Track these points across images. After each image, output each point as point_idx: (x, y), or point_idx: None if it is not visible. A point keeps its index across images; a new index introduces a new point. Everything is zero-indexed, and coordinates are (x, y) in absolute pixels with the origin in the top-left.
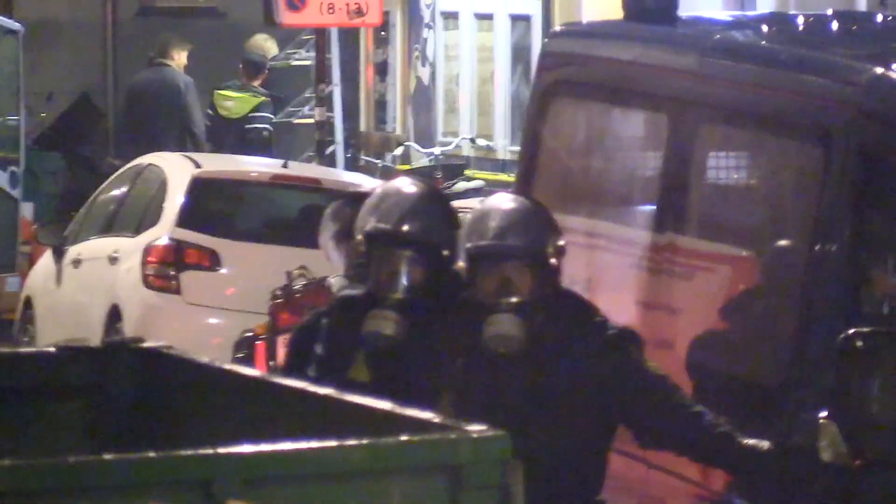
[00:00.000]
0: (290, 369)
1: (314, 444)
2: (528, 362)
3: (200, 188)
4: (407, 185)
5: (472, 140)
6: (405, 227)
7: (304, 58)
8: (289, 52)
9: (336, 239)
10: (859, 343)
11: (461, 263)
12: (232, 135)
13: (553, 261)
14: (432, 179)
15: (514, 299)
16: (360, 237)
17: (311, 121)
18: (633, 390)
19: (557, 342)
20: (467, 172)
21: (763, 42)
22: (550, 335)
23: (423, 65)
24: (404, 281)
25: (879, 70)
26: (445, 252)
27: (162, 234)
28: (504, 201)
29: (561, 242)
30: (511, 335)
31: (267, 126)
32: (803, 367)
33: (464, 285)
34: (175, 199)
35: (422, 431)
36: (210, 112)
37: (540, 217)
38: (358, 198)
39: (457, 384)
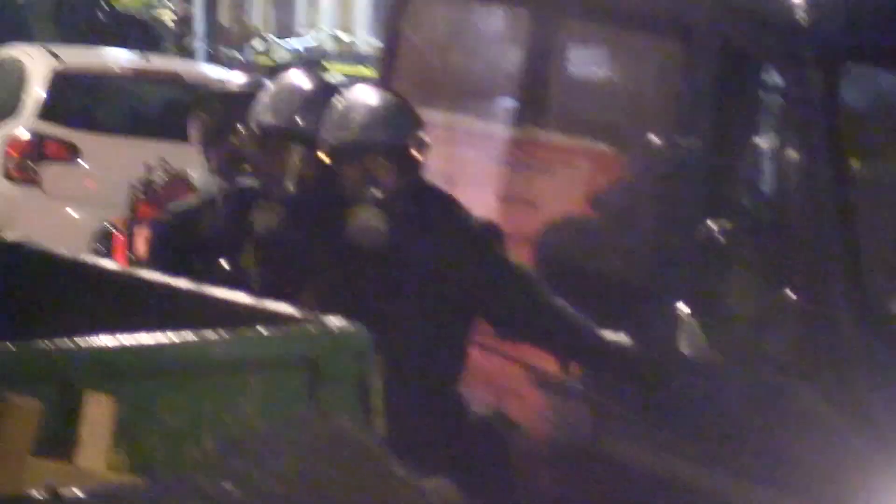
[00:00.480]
0: (162, 257)
1: (173, 337)
2: (389, 254)
3: (61, 81)
4: (301, 80)
5: (333, 34)
6: (299, 123)
7: None
8: None
9: (208, 133)
10: (720, 238)
11: (323, 156)
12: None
13: (415, 154)
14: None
15: (376, 192)
16: (253, 131)
17: (172, 15)
18: (494, 283)
19: (419, 234)
20: (327, 66)
21: None
22: (412, 228)
23: None
24: (294, 175)
25: None
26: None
27: (22, 126)
28: (365, 94)
29: (423, 135)
30: (373, 228)
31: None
32: (663, 262)
33: (327, 177)
34: (35, 92)
35: (281, 325)
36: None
37: (402, 110)
38: (228, 93)
39: (320, 277)
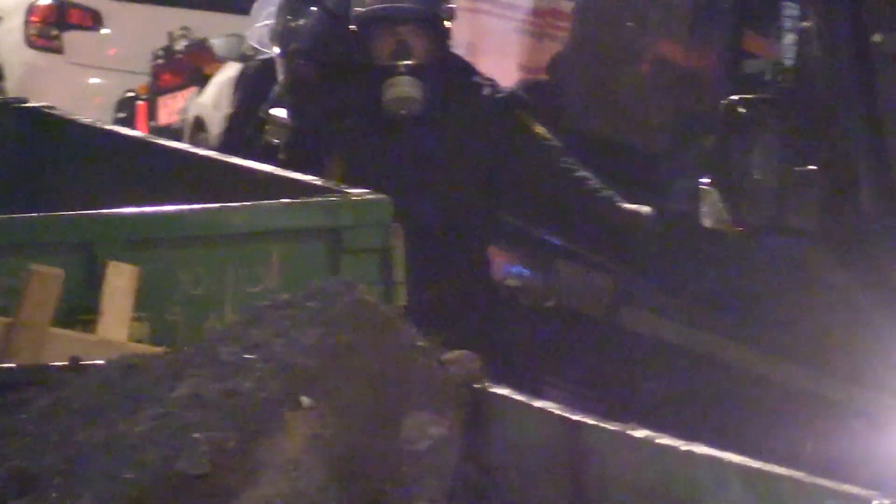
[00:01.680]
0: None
1: (194, 206)
2: (419, 125)
3: None
4: None
5: None
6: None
7: None
8: None
9: None
10: (742, 110)
11: (352, 27)
12: None
13: (445, 23)
14: None
15: (411, 61)
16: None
17: None
18: (521, 153)
19: (447, 105)
20: None
21: None
22: (440, 98)
23: None
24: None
25: None
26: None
27: None
28: None
29: (452, 4)
30: (411, 96)
31: None
32: (685, 133)
33: (356, 49)
34: None
35: (303, 194)
36: None
37: None
38: None
39: (346, 147)
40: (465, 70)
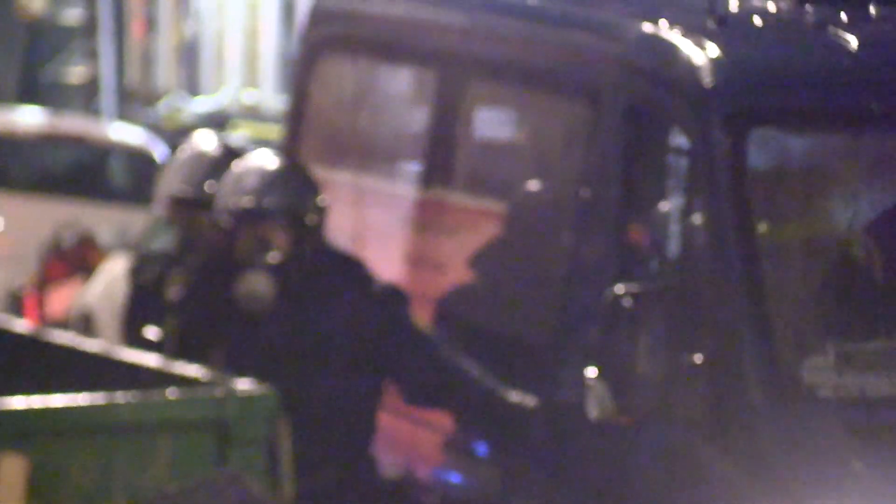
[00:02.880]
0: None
1: (84, 399)
2: (288, 319)
3: None
4: (206, 146)
5: (240, 93)
6: (206, 190)
7: (71, 14)
8: (56, 8)
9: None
10: (627, 302)
11: (222, 222)
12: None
13: (311, 220)
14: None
15: (268, 258)
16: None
17: (81, 77)
18: (398, 347)
19: (320, 298)
20: (234, 126)
21: None
22: (312, 292)
23: (191, 19)
24: (203, 242)
25: (647, 27)
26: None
27: None
28: (262, 161)
29: (320, 201)
30: (259, 294)
31: None
32: (571, 324)
33: (226, 243)
34: None
35: (190, 387)
36: None
37: (297, 177)
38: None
39: (225, 340)
40: (343, 263)
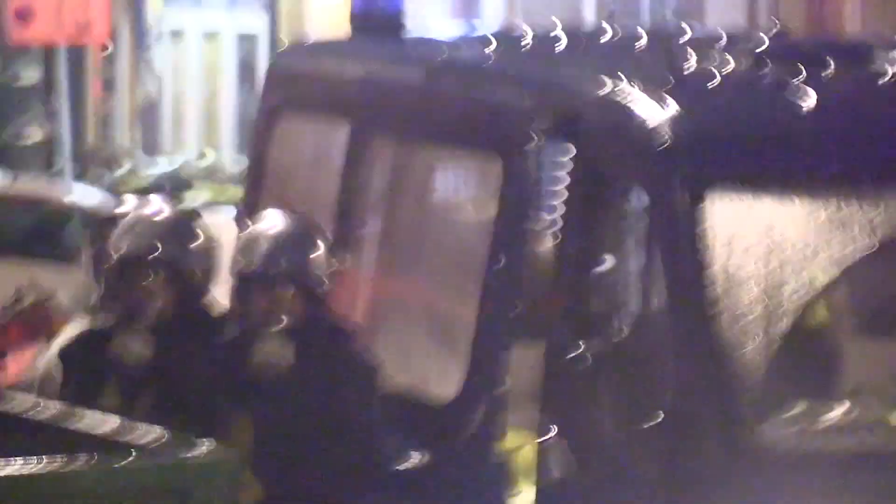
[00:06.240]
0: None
1: (44, 467)
2: (290, 386)
3: None
4: (159, 208)
5: (200, 153)
6: (154, 250)
7: (29, 76)
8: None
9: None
10: (587, 358)
11: (229, 285)
12: None
13: (325, 284)
14: (160, 194)
15: (282, 323)
16: (113, 260)
17: (38, 138)
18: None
19: (320, 366)
20: (194, 185)
21: (488, 60)
22: (314, 359)
23: (150, 81)
24: (152, 303)
25: (601, 87)
26: (199, 274)
27: None
28: (277, 221)
29: (335, 264)
30: (279, 361)
31: None
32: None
33: (232, 306)
34: None
35: (151, 452)
36: None
37: (314, 238)
38: (110, 219)
39: (224, 402)
40: (340, 331)
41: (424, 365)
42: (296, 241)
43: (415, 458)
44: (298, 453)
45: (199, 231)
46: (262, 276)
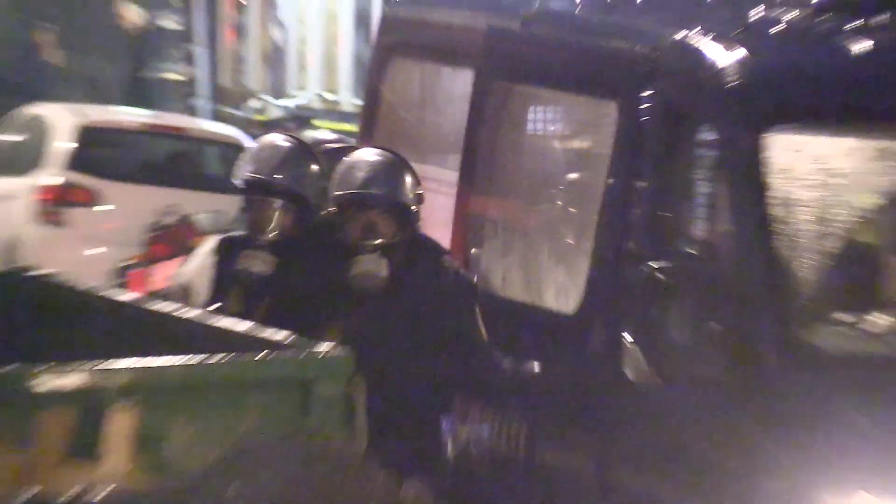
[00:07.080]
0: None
1: (181, 360)
2: (385, 297)
3: (85, 135)
4: (280, 140)
5: (320, 94)
6: (276, 177)
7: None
8: (156, 13)
9: None
10: (660, 277)
11: (331, 209)
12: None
13: (412, 207)
14: (284, 129)
15: (377, 241)
16: (237, 185)
17: (179, 78)
18: (458, 333)
19: (412, 281)
20: (315, 123)
21: (576, 9)
22: (407, 275)
23: (277, 27)
24: (273, 225)
25: (677, 33)
26: (311, 199)
27: (51, 175)
28: (369, 154)
29: (420, 191)
30: (374, 273)
31: None
32: (610, 297)
33: (334, 229)
34: (62, 145)
35: (276, 350)
36: None
37: (401, 168)
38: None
39: (340, 316)
40: (431, 252)
41: (543, 282)
42: (386, 171)
43: (531, 370)
44: (395, 365)
45: (313, 161)
46: (359, 198)
